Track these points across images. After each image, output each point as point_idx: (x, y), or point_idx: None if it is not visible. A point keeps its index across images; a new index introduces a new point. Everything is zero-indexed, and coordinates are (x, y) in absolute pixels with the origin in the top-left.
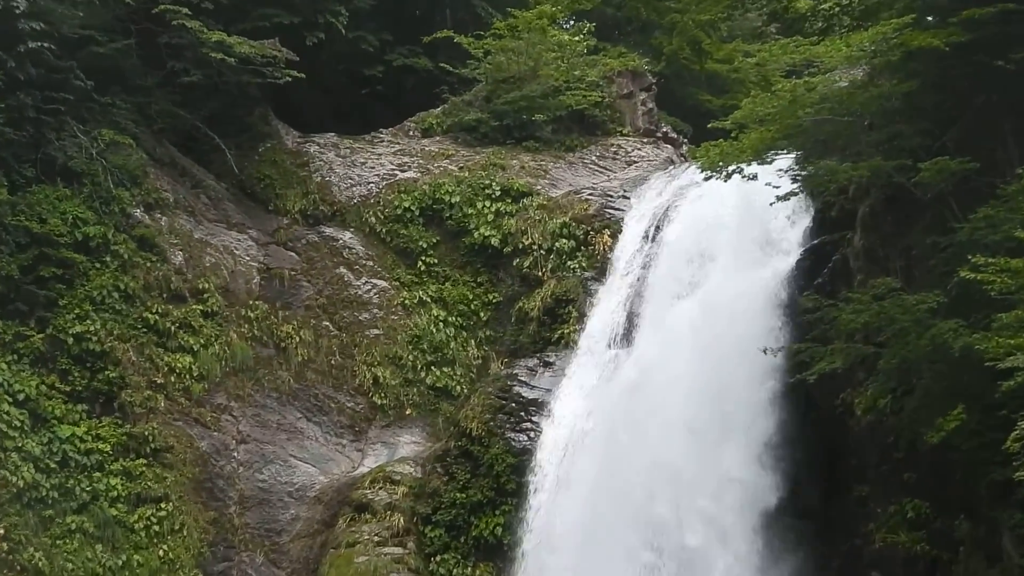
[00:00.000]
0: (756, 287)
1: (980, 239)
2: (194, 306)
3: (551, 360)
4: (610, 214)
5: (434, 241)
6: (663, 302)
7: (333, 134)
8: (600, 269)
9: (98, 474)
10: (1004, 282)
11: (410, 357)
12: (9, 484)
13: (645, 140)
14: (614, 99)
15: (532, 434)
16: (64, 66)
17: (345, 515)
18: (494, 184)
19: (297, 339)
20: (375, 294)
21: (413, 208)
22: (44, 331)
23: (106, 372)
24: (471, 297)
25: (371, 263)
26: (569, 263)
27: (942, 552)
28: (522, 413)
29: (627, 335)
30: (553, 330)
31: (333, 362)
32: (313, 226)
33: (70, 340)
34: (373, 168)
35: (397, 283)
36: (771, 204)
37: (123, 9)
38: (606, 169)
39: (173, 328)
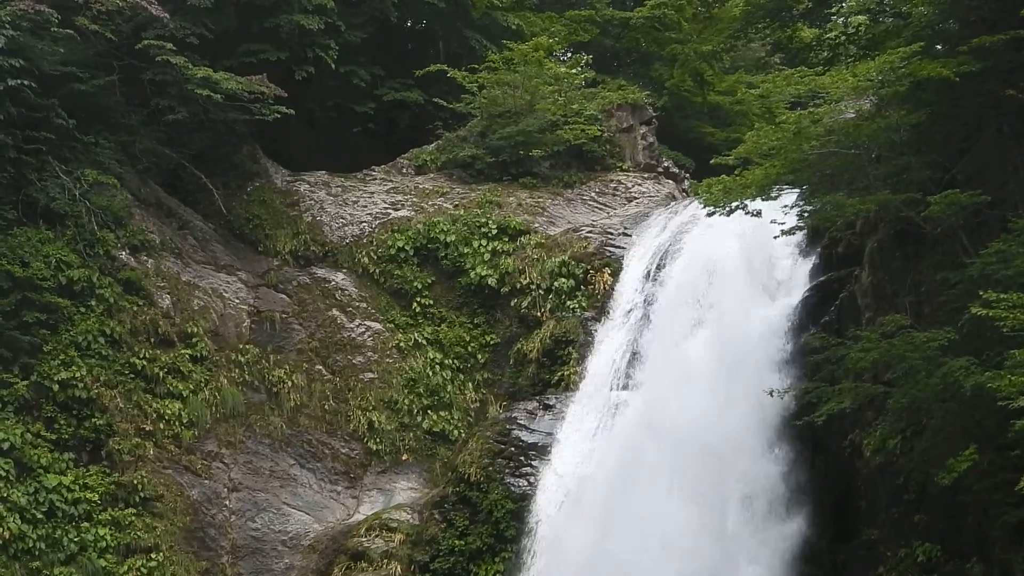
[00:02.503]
0: (762, 326)
1: (992, 274)
2: (183, 351)
3: (551, 403)
4: (610, 252)
5: (429, 281)
6: (666, 343)
7: (324, 172)
8: (600, 309)
9: (86, 524)
10: (1017, 318)
11: (406, 401)
12: None
13: (646, 175)
14: (613, 133)
15: (532, 479)
16: (45, 104)
17: (341, 564)
18: (490, 222)
19: (289, 384)
20: (369, 336)
21: (407, 248)
22: (28, 378)
23: (93, 419)
24: (468, 339)
25: (365, 305)
26: (568, 303)
27: None
28: (522, 457)
29: (629, 377)
30: (552, 372)
31: (327, 407)
32: (304, 267)
33: (55, 387)
34: (365, 207)
35: (392, 325)
36: (775, 238)
37: (105, 45)
38: (606, 206)
39: (161, 374)
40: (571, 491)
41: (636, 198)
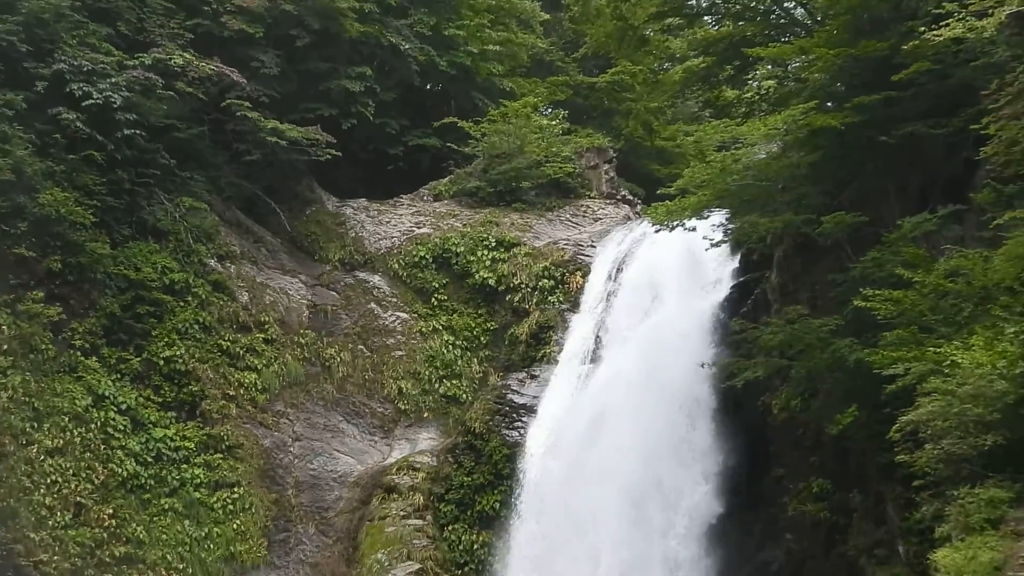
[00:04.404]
0: (696, 315)
1: (869, 276)
2: (257, 335)
3: (537, 373)
4: (581, 259)
5: (444, 282)
6: (623, 328)
7: (364, 199)
8: (574, 302)
9: (185, 466)
10: (888, 309)
11: (426, 372)
12: (116, 475)
13: (608, 202)
14: (583, 170)
15: (522, 431)
16: (152, 148)
17: (378, 495)
18: (490, 237)
19: (338, 359)
20: (399, 324)
21: (427, 256)
22: (140, 355)
23: (190, 387)
24: (473, 325)
25: (395, 299)
26: (550, 298)
27: (840, 518)
28: (514, 415)
29: (595, 354)
30: (538, 350)
31: (366, 377)
32: (349, 271)
33: (161, 362)
34: (396, 226)
35: (416, 315)
36: (707, 249)
37: (198, 103)
38: (578, 224)
39: (241, 352)
40: (551, 439)
41: (600, 219)
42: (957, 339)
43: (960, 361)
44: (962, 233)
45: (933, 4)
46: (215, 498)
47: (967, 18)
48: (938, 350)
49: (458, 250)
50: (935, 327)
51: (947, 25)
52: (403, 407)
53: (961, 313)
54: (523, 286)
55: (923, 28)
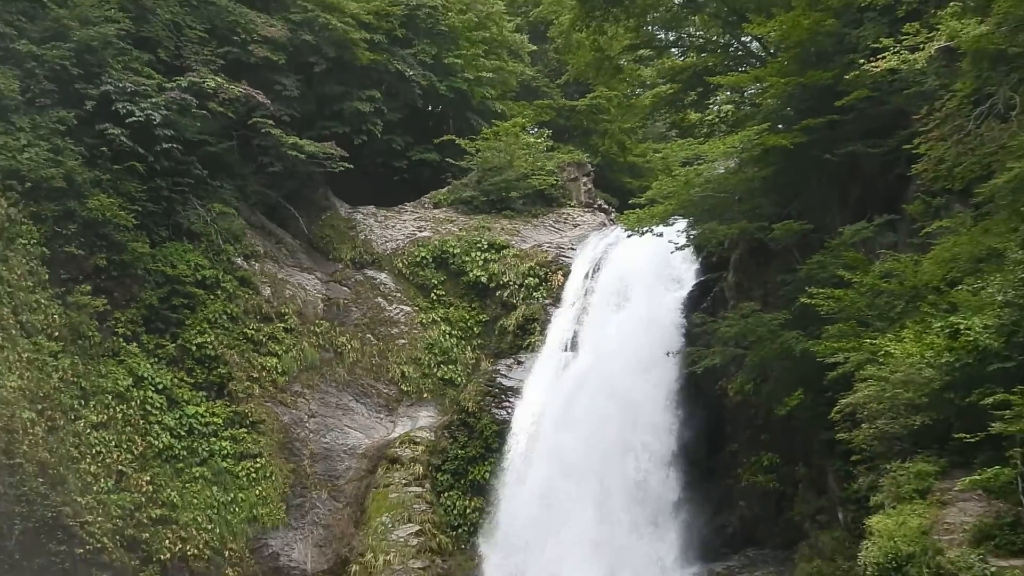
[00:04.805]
0: (662, 310)
1: (814, 276)
2: (278, 324)
3: (523, 360)
4: (562, 260)
5: (442, 279)
6: (598, 320)
7: (372, 206)
8: (556, 298)
9: (214, 439)
10: (830, 305)
11: (426, 358)
12: (153, 446)
13: (586, 210)
14: (564, 182)
15: (509, 410)
16: (187, 160)
17: (382, 465)
18: (483, 240)
19: (349, 346)
20: (402, 316)
21: (428, 257)
22: (175, 342)
23: (219, 370)
24: (468, 317)
25: (399, 294)
26: (535, 294)
27: (787, 488)
28: (503, 396)
29: (574, 343)
30: (524, 340)
31: (374, 362)
32: (359, 269)
33: (194, 348)
34: (400, 230)
35: (417, 308)
36: (672, 252)
37: (228, 121)
38: (559, 230)
39: (264, 339)
40: (535, 416)
41: (579, 225)
42: (891, 332)
43: (893, 351)
44: (896, 239)
45: (871, 39)
46: (240, 467)
47: (901, 52)
48: (874, 342)
49: (455, 251)
50: (871, 321)
51: (884, 58)
52: (405, 388)
53: (894, 309)
54: (511, 283)
55: (863, 60)
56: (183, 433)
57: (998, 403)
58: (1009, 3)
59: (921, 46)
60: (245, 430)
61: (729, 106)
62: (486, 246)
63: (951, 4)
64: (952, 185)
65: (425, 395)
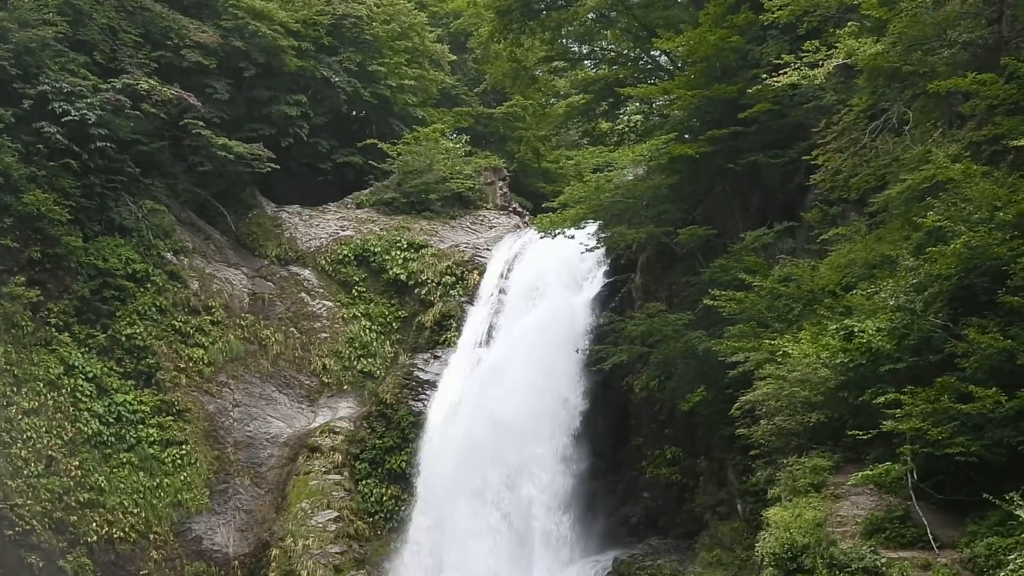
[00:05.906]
0: (572, 308)
1: (717, 279)
2: (205, 317)
3: (439, 355)
4: (478, 260)
5: (363, 276)
6: (511, 318)
7: (298, 206)
8: (471, 296)
9: (141, 426)
10: (732, 307)
11: (347, 352)
12: (83, 432)
13: (501, 213)
14: (481, 185)
15: (426, 402)
16: (121, 158)
17: (303, 454)
18: (403, 240)
19: (273, 339)
20: (324, 311)
21: (350, 255)
22: (106, 332)
23: (147, 360)
24: (387, 313)
25: (322, 290)
26: (451, 292)
27: (689, 480)
28: (419, 388)
29: (488, 339)
30: (440, 335)
31: (296, 355)
32: (284, 266)
33: (123, 338)
34: (324, 228)
35: (339, 304)
36: (582, 253)
37: (160, 122)
38: (476, 231)
39: (191, 331)
40: (450, 409)
41: (495, 227)
42: (788, 334)
43: (791, 352)
44: (794, 245)
45: (774, 55)
46: (166, 454)
47: (802, 68)
48: (773, 342)
49: (375, 250)
50: (770, 323)
51: (785, 73)
52: (326, 380)
53: (792, 312)
54: (429, 281)
55: (765, 75)
56: (112, 420)
57: (889, 402)
58: (903, 24)
59: (820, 63)
60: (171, 418)
61: (638, 116)
62: (406, 245)
63: (849, 24)
64: (848, 195)
65: (345, 387)
